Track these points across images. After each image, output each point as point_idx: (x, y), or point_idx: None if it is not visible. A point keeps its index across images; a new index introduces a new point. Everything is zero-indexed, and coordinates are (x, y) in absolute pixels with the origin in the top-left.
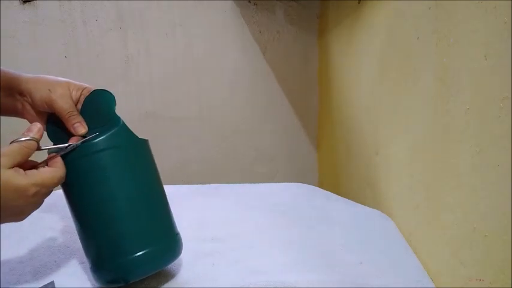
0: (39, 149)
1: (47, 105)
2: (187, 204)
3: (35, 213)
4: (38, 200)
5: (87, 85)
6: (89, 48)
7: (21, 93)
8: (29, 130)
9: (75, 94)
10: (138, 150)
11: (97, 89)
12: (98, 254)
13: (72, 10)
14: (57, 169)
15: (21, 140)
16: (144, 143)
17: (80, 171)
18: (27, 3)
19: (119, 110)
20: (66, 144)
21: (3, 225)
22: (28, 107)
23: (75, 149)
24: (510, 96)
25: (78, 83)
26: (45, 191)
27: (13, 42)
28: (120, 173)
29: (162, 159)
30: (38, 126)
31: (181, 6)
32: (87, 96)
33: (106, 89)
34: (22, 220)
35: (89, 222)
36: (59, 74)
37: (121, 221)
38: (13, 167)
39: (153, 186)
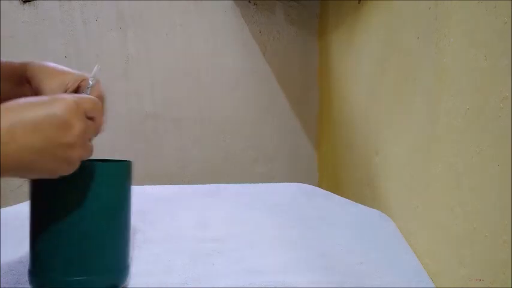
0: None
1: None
2: (187, 204)
3: None
4: (85, 142)
5: (87, 75)
6: (89, 48)
7: (28, 81)
8: None
9: (72, 85)
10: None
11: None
12: (41, 260)
13: (72, 10)
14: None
15: None
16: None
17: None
18: (27, 3)
19: (119, 110)
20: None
21: (3, 225)
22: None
23: None
24: (510, 96)
25: (77, 73)
26: (90, 127)
27: (13, 42)
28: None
29: (162, 159)
30: None
31: (181, 6)
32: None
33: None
34: (71, 171)
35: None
36: None
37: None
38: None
39: (110, 218)
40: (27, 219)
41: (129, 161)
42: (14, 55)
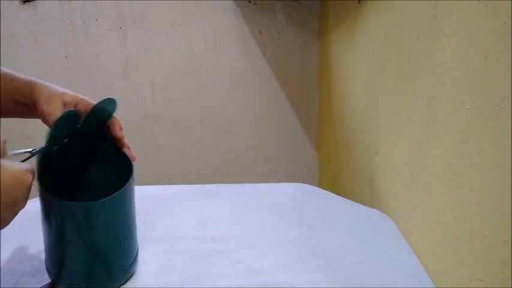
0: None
1: (41, 118)
2: (187, 204)
3: (35, 213)
4: (25, 199)
5: (84, 97)
6: (89, 48)
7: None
8: None
9: (68, 106)
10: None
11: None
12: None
13: (72, 10)
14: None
15: None
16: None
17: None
18: (27, 3)
19: (119, 110)
20: (29, 149)
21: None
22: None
23: (37, 152)
24: (510, 96)
25: (73, 94)
26: (30, 188)
27: (13, 42)
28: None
29: (162, 159)
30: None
31: (181, 6)
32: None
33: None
34: (7, 224)
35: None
36: (59, 74)
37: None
38: None
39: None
40: (27, 220)
41: (131, 177)
42: (14, 55)
